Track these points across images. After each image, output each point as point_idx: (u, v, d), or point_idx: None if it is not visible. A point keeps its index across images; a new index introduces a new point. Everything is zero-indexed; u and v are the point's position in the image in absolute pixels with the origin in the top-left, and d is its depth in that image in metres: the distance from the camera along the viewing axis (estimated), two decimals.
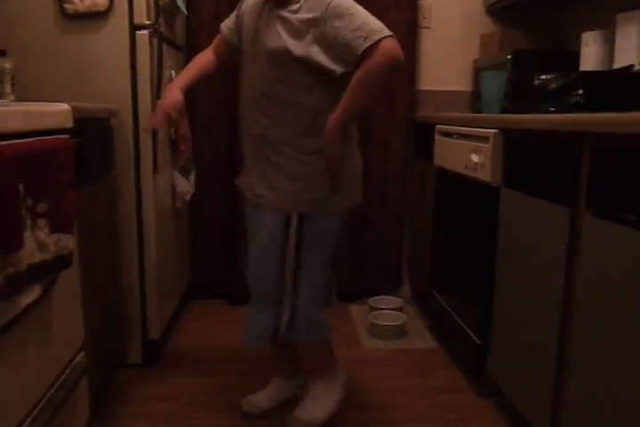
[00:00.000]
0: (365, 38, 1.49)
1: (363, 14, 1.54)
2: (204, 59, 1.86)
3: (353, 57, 1.52)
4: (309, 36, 1.55)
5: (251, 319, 1.80)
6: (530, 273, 1.62)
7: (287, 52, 1.57)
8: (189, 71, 1.83)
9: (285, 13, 1.59)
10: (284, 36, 1.57)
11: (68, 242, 1.35)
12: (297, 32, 1.56)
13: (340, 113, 1.55)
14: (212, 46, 1.87)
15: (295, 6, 1.58)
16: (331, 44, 1.53)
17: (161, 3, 2.21)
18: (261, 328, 1.77)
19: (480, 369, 1.98)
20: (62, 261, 1.34)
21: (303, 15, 1.56)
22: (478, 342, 1.97)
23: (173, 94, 1.72)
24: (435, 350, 2.44)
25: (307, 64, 1.57)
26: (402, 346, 2.48)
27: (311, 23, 1.55)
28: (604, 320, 1.26)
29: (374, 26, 1.51)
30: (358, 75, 1.52)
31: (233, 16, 1.80)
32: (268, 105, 1.64)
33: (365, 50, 1.49)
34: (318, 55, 1.55)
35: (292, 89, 1.61)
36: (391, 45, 1.49)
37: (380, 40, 1.48)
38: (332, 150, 1.59)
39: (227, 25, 1.81)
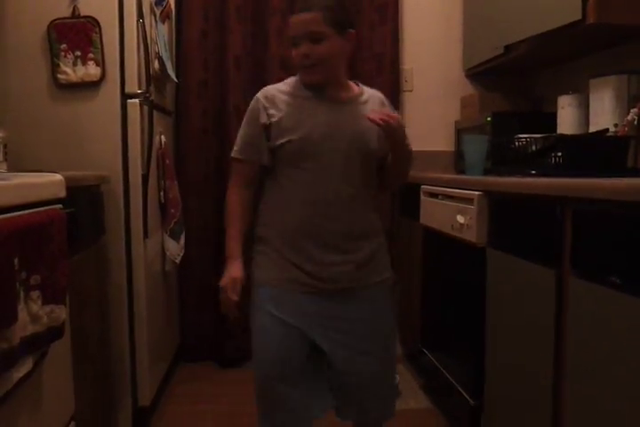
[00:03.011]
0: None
1: None
2: (241, 206, 1.62)
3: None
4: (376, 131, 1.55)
5: None
6: (520, 332, 1.63)
7: (376, 150, 1.59)
8: (237, 228, 1.61)
9: (362, 104, 1.60)
10: (371, 131, 1.55)
11: (61, 313, 1.35)
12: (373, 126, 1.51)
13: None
14: (238, 182, 1.63)
15: (365, 97, 1.62)
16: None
17: (152, 72, 2.29)
18: None
19: None
20: (54, 333, 1.33)
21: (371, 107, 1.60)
22: (472, 402, 1.95)
23: (232, 273, 1.58)
24: (429, 411, 2.41)
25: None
26: (396, 406, 2.44)
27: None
28: (595, 378, 1.27)
29: None
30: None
31: (256, 133, 1.57)
32: (354, 204, 1.58)
33: None
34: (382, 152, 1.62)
35: (370, 184, 1.64)
36: None
37: None
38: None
39: (253, 150, 1.58)
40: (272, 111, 1.55)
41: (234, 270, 1.58)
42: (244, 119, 1.62)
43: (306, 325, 1.56)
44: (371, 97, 1.65)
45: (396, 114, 1.55)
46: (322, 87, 1.58)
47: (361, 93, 1.63)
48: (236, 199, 1.62)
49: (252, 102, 1.60)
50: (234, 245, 1.60)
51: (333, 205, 1.56)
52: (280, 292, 1.58)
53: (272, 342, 1.57)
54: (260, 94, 1.60)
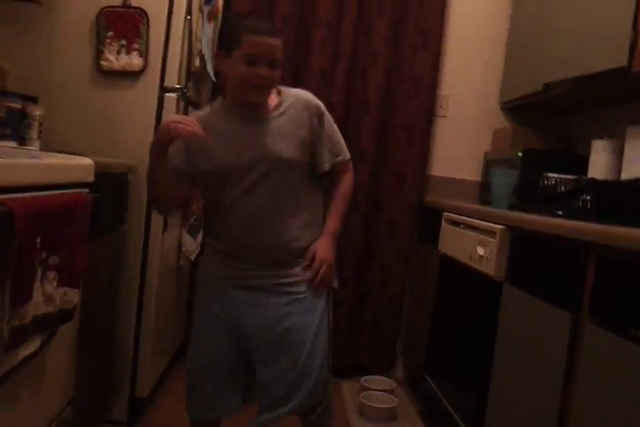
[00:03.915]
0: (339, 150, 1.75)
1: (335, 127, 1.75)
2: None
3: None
4: (297, 139, 1.64)
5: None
6: (528, 372, 1.61)
7: (296, 159, 1.64)
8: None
9: (275, 118, 1.64)
10: (287, 142, 1.62)
11: (74, 296, 1.36)
12: (289, 136, 1.63)
13: (333, 232, 1.72)
14: None
15: (281, 109, 1.65)
16: (315, 145, 1.68)
17: (193, 68, 2.31)
18: None
19: None
20: (65, 315, 1.34)
21: (290, 118, 1.65)
22: None
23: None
24: None
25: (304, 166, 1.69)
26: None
27: (301, 125, 1.65)
28: None
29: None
30: (340, 190, 1.77)
31: (174, 153, 1.59)
32: (279, 214, 1.65)
33: (340, 163, 1.75)
34: (309, 156, 1.69)
35: (301, 192, 1.69)
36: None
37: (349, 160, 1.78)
38: (329, 268, 1.70)
39: (177, 169, 1.62)
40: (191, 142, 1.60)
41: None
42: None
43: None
44: (292, 104, 1.66)
45: (319, 258, 1.68)
46: (252, 108, 1.63)
47: (279, 104, 1.65)
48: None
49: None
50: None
51: (253, 217, 1.63)
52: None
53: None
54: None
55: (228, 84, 1.65)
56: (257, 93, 1.59)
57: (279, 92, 1.67)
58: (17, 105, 1.88)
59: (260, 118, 1.63)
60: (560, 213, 1.86)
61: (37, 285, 1.19)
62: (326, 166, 1.71)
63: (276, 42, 1.56)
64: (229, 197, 1.63)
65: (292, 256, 1.67)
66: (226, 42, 1.60)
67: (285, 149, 1.61)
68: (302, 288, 1.67)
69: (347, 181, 1.79)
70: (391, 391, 2.71)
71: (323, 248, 1.69)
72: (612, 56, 1.99)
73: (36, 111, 1.95)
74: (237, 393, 1.73)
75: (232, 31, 1.58)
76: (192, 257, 2.46)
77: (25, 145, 1.90)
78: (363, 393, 2.62)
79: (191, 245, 2.40)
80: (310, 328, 1.66)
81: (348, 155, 1.78)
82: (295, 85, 2.87)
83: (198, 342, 1.72)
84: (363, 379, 2.78)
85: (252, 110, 1.63)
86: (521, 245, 1.77)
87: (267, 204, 1.63)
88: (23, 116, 1.91)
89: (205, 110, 1.71)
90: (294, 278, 1.67)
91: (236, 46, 1.55)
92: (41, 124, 1.97)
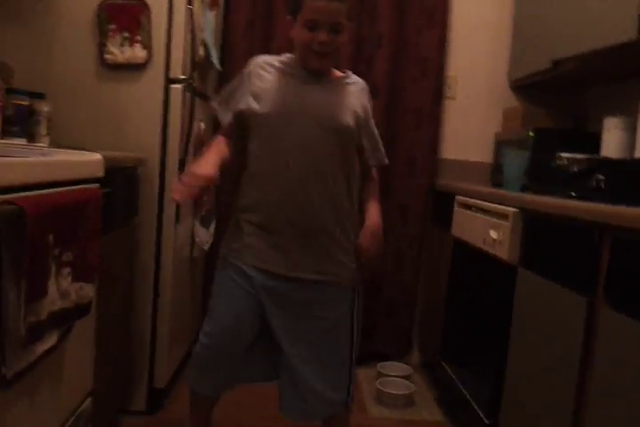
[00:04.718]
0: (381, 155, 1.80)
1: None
2: (223, 146, 1.72)
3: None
4: (354, 112, 1.67)
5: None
6: (543, 355, 1.61)
7: (352, 130, 1.65)
8: (215, 153, 1.67)
9: (338, 86, 1.68)
10: (347, 111, 1.65)
11: (89, 291, 1.37)
12: (349, 106, 1.66)
13: (379, 217, 1.72)
14: (220, 131, 1.78)
15: (346, 81, 1.70)
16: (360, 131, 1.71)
17: (197, 58, 2.29)
18: None
19: None
20: (81, 310, 1.35)
21: (352, 92, 1.70)
22: (487, 422, 1.93)
23: (210, 169, 1.57)
24: (442, 424, 2.39)
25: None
26: (409, 416, 2.44)
27: (360, 103, 1.71)
28: (618, 414, 1.25)
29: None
30: (373, 182, 1.80)
31: (232, 100, 1.70)
32: (324, 183, 1.62)
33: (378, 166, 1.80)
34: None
35: (346, 164, 1.67)
36: None
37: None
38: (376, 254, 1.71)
39: (231, 112, 1.70)
40: (256, 81, 1.65)
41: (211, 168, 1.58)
42: (232, 81, 1.75)
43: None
44: (356, 83, 1.73)
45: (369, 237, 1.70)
46: (319, 72, 1.66)
47: (344, 77, 1.72)
48: (216, 142, 1.73)
49: (246, 68, 1.71)
50: (210, 157, 1.64)
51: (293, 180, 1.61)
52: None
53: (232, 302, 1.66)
54: (253, 62, 1.70)
55: (296, 48, 1.67)
56: (318, 59, 1.61)
57: (344, 72, 1.75)
58: (24, 102, 1.88)
59: (323, 82, 1.66)
60: (573, 194, 1.84)
61: (52, 281, 1.19)
62: (373, 161, 1.77)
63: (336, 6, 1.55)
64: (282, 152, 1.60)
65: (334, 242, 1.65)
66: (293, 7, 1.62)
67: (344, 115, 1.63)
68: (334, 289, 1.67)
69: (374, 179, 1.83)
70: (407, 377, 2.72)
71: (372, 243, 1.71)
72: (621, 30, 1.95)
73: (44, 107, 1.95)
74: (258, 364, 1.74)
75: None
76: (205, 247, 2.47)
77: (34, 141, 1.90)
78: (379, 379, 2.63)
79: (204, 235, 2.41)
80: (343, 324, 1.69)
81: (386, 160, 1.82)
82: None
83: (223, 305, 1.67)
84: (379, 365, 2.79)
85: (316, 76, 1.65)
86: (534, 228, 1.76)
87: (318, 168, 1.61)
88: (31, 112, 1.91)
89: (275, 57, 1.72)
90: (330, 277, 1.65)
91: (299, 11, 1.57)
92: (49, 121, 1.97)
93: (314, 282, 1.63)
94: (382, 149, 1.80)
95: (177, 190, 1.52)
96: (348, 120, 1.63)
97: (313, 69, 1.64)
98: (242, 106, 1.66)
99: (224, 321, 1.66)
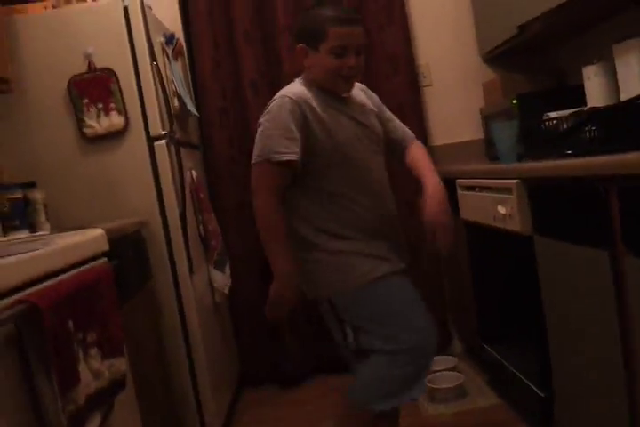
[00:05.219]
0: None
1: None
2: (283, 220, 1.62)
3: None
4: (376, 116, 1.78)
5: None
6: (581, 317, 1.58)
7: (381, 131, 1.76)
8: (285, 243, 1.60)
9: (355, 99, 1.74)
10: (373, 118, 1.74)
11: (121, 365, 1.38)
12: (371, 113, 1.76)
13: (440, 183, 1.70)
14: (273, 190, 1.58)
15: (353, 92, 1.75)
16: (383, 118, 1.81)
17: (173, 111, 2.32)
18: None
19: (549, 422, 1.89)
20: (117, 385, 1.36)
21: (362, 98, 1.78)
22: (542, 395, 1.89)
23: (294, 293, 1.59)
24: (499, 406, 2.34)
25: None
26: (464, 407, 2.39)
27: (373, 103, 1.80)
28: None
29: None
30: (420, 150, 1.81)
31: (295, 136, 1.56)
32: (386, 187, 1.74)
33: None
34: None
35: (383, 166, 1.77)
36: None
37: None
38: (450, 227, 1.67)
39: (295, 153, 1.56)
40: (308, 114, 1.58)
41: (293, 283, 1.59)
42: (272, 123, 1.58)
43: None
44: (354, 87, 1.74)
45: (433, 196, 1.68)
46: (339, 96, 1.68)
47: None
48: (276, 210, 1.58)
49: (287, 105, 1.57)
50: (286, 258, 1.58)
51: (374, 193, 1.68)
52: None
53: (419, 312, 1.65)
54: (294, 97, 1.59)
55: (315, 76, 1.65)
56: (347, 83, 1.64)
57: None
58: (18, 195, 1.93)
59: (346, 100, 1.69)
60: (569, 151, 1.81)
61: (82, 365, 1.20)
62: (410, 134, 1.86)
63: (359, 29, 1.59)
64: (361, 174, 1.65)
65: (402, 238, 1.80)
66: (310, 36, 1.59)
67: (376, 124, 1.74)
68: None
69: (419, 145, 1.86)
70: (454, 368, 2.66)
71: (444, 213, 1.68)
72: None
73: (38, 195, 2.00)
74: None
75: (316, 25, 1.58)
76: (225, 291, 2.48)
77: (36, 230, 1.94)
78: (427, 377, 2.55)
79: (221, 279, 2.42)
80: None
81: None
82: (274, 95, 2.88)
83: (412, 306, 1.64)
84: None
85: (341, 97, 1.68)
86: (539, 195, 1.74)
87: (380, 175, 1.72)
88: (27, 203, 1.96)
89: (302, 89, 1.63)
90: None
91: (323, 40, 1.57)
92: (46, 206, 2.01)
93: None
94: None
95: (268, 312, 1.60)
96: (378, 125, 1.74)
97: (342, 93, 1.67)
98: (311, 140, 1.59)
99: (416, 322, 1.63)
